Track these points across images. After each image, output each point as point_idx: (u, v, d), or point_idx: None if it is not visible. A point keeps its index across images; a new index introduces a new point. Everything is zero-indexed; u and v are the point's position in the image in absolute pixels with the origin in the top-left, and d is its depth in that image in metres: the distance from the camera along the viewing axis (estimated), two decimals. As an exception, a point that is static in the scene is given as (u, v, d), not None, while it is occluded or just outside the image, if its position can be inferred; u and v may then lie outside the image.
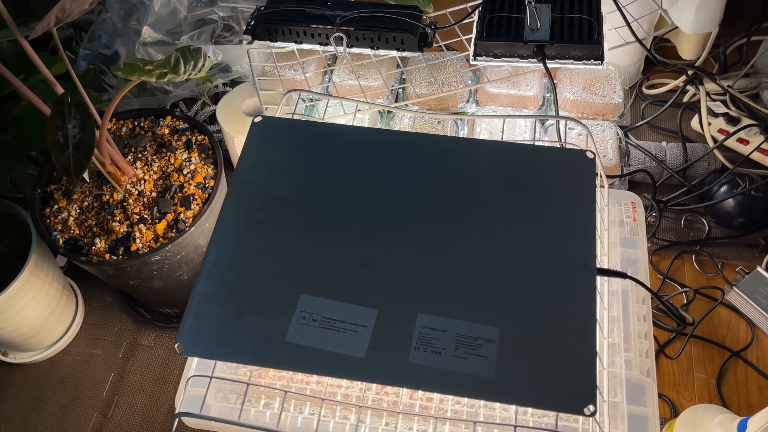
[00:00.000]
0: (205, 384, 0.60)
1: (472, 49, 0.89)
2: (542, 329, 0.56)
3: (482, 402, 0.60)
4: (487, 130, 1.05)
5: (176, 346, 0.57)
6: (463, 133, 1.05)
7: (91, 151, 0.62)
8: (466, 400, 0.60)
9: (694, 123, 1.07)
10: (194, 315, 0.58)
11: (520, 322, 0.56)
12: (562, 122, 0.86)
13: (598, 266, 0.60)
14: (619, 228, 0.79)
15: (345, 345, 0.56)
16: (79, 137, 0.62)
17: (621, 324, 0.73)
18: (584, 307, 0.57)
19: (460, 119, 1.08)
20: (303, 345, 0.56)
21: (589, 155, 0.67)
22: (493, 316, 0.56)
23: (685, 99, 1.11)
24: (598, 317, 0.65)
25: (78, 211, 0.80)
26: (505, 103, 1.08)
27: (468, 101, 1.09)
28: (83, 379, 0.94)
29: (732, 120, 1.01)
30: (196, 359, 0.62)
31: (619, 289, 0.75)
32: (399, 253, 0.59)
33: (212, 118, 1.14)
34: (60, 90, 0.66)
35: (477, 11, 0.93)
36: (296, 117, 0.77)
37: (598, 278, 0.63)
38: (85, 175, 0.74)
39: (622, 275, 0.62)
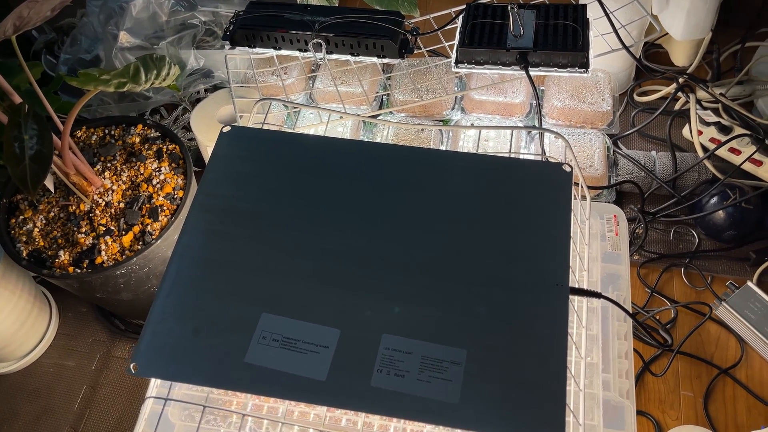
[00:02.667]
0: (167, 404, 0.58)
1: (453, 56, 0.87)
2: (511, 352, 0.53)
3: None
4: (472, 138, 1.02)
5: (131, 366, 0.55)
6: (447, 140, 1.03)
7: (49, 162, 0.60)
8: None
9: (686, 132, 1.04)
10: (151, 333, 0.56)
11: (488, 344, 0.54)
12: (544, 133, 0.84)
13: (573, 285, 0.57)
14: (600, 242, 0.77)
15: (305, 367, 0.54)
16: (36, 148, 0.60)
17: (600, 343, 0.70)
18: (556, 329, 0.55)
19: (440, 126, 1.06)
20: (262, 366, 0.54)
21: (566, 169, 0.64)
22: (461, 337, 0.54)
23: (677, 107, 1.08)
24: (574, 337, 0.62)
25: (44, 222, 0.78)
26: (491, 110, 1.05)
27: (453, 108, 1.07)
28: (55, 391, 0.92)
29: (724, 129, 0.98)
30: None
31: (599, 307, 0.73)
32: (365, 271, 0.57)
33: (194, 124, 1.12)
34: (17, 99, 0.64)
35: (461, 17, 0.90)
36: (270, 126, 0.75)
37: (576, 297, 0.61)
38: (50, 186, 0.72)
39: (596, 295, 0.60)
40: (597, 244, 0.76)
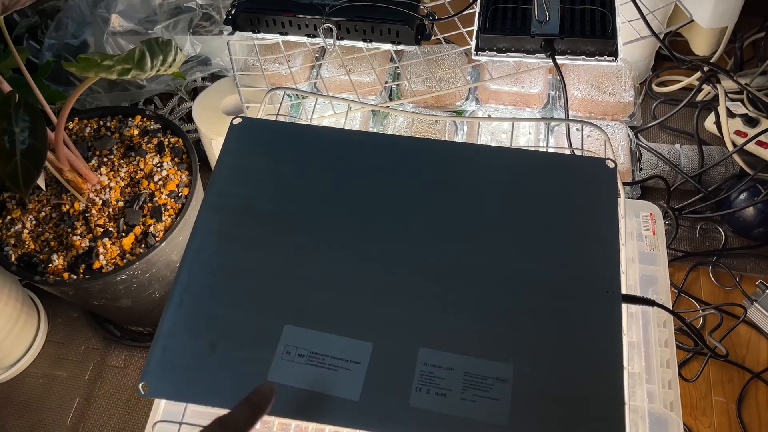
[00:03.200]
0: (175, 430, 0.52)
1: (474, 42, 0.82)
2: (561, 366, 0.49)
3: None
4: (488, 129, 0.97)
5: (140, 386, 0.50)
6: (463, 132, 0.98)
7: (43, 158, 0.54)
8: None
9: (708, 124, 1.00)
10: (162, 349, 0.51)
11: (536, 358, 0.49)
12: (574, 126, 0.79)
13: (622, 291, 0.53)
14: (637, 242, 0.72)
15: (336, 385, 0.49)
16: (29, 143, 0.53)
17: (642, 351, 0.66)
18: (609, 339, 0.51)
19: (462, 117, 1.01)
20: (287, 385, 0.49)
21: (610, 164, 0.59)
22: (506, 350, 0.50)
23: (699, 98, 1.04)
24: (618, 346, 0.58)
25: (34, 222, 0.71)
26: (507, 101, 1.00)
27: (467, 99, 1.02)
28: (46, 403, 0.85)
29: (751, 121, 0.94)
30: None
31: (639, 312, 0.68)
32: (397, 278, 0.52)
33: (190, 116, 1.05)
34: (7, 87, 0.57)
35: (479, 1, 0.85)
36: (280, 118, 0.70)
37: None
38: (41, 183, 0.65)
39: (649, 302, 0.55)
40: (633, 244, 0.72)
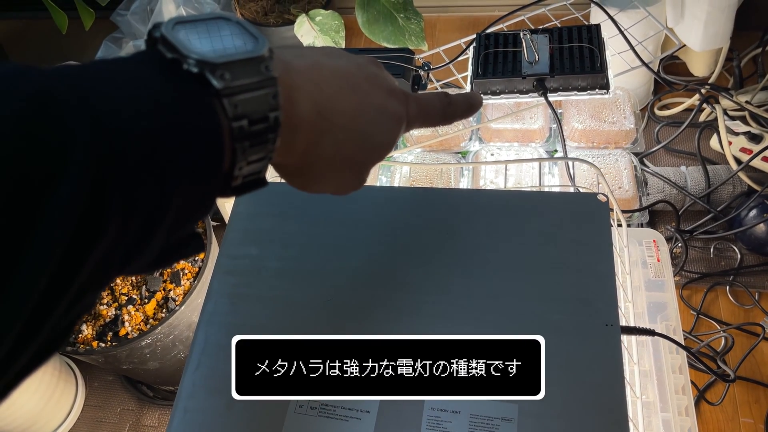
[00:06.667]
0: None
1: (468, 87, 0.85)
2: (565, 403, 0.50)
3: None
4: (492, 168, 0.99)
5: (164, 447, 0.53)
6: (468, 173, 1.00)
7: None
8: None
9: (713, 143, 1.01)
10: (183, 410, 0.54)
11: (540, 396, 0.50)
12: (571, 161, 0.81)
13: (622, 323, 0.54)
14: (642, 270, 0.73)
15: (348, 435, 0.51)
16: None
17: (654, 379, 0.66)
18: (611, 373, 0.52)
19: (462, 162, 1.03)
20: (301, 438, 0.51)
21: (601, 198, 0.61)
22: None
23: (702, 118, 1.05)
24: (627, 375, 0.59)
25: (64, 295, 0.76)
26: (509, 137, 1.02)
27: (471, 139, 1.04)
28: (86, 467, 0.89)
29: (754, 138, 0.94)
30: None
31: (649, 339, 0.69)
32: (402, 324, 0.54)
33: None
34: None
35: (471, 47, 0.89)
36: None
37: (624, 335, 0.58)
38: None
39: (649, 333, 0.56)
40: (638, 272, 0.73)
